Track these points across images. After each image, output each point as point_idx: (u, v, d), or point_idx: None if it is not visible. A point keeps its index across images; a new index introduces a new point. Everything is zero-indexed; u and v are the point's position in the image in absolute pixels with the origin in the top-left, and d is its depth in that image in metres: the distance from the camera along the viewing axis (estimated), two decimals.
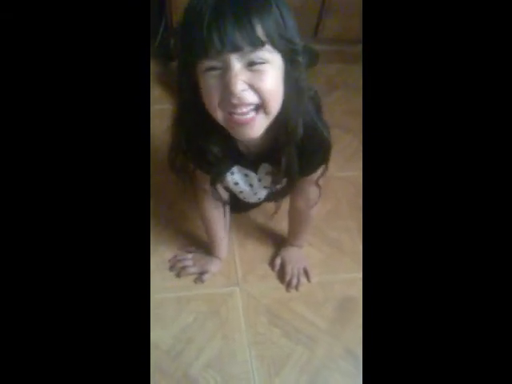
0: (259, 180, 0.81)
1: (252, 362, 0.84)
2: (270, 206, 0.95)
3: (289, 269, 0.97)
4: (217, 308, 0.92)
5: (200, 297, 0.93)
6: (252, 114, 0.59)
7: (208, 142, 0.69)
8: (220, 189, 0.81)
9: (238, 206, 0.99)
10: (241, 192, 0.86)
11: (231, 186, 0.83)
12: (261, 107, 0.59)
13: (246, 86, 0.57)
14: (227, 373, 0.83)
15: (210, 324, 0.89)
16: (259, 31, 0.54)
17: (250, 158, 0.76)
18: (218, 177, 0.77)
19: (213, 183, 0.77)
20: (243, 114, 0.59)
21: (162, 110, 1.30)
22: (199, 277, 0.95)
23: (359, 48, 1.49)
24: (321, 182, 0.80)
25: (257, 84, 0.57)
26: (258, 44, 0.55)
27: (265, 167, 0.77)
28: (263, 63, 0.56)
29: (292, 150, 0.69)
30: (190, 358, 0.84)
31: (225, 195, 0.85)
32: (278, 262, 1.00)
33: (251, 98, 0.58)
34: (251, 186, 0.83)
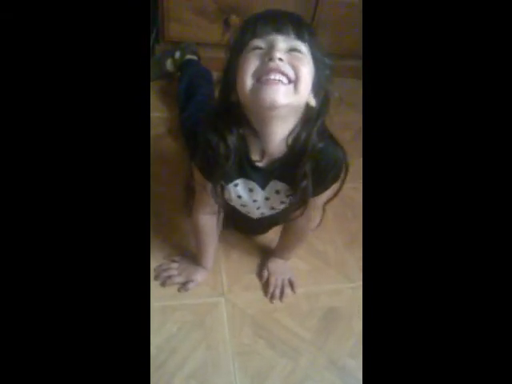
0: (266, 199, 0.80)
1: (236, 373, 0.84)
2: None
3: (273, 280, 0.98)
4: (201, 318, 0.91)
5: (185, 307, 0.93)
6: (283, 80, 0.62)
7: (226, 132, 0.69)
8: (218, 198, 0.79)
9: (242, 226, 1.00)
10: (243, 206, 0.84)
11: (233, 198, 0.81)
12: (292, 83, 0.63)
13: (285, 59, 0.62)
14: (210, 383, 0.82)
15: (195, 334, 0.89)
16: (305, 34, 0.64)
17: (261, 170, 0.75)
18: (218, 180, 0.75)
19: (214, 186, 0.75)
20: (275, 80, 0.62)
21: (153, 117, 1.32)
22: (183, 285, 0.95)
23: (350, 62, 1.51)
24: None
25: (295, 63, 0.62)
26: (303, 36, 0.64)
27: (275, 184, 0.77)
28: (303, 54, 0.63)
29: (309, 167, 0.70)
30: (174, 368, 0.84)
31: (223, 204, 0.83)
32: (265, 273, 0.99)
33: (287, 69, 0.62)
34: (255, 201, 0.82)
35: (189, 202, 0.84)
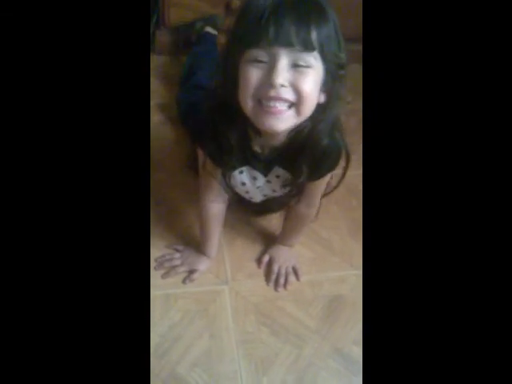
0: (268, 182, 0.80)
1: (240, 360, 0.84)
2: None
3: (275, 267, 0.97)
4: (205, 306, 0.91)
5: (188, 295, 0.92)
6: (284, 107, 0.60)
7: (228, 128, 0.68)
8: (224, 185, 0.80)
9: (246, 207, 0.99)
10: (247, 192, 0.85)
11: (238, 185, 0.81)
12: (294, 106, 0.60)
13: (286, 83, 0.58)
14: (215, 372, 0.82)
15: (198, 322, 0.88)
16: (313, 36, 0.57)
17: (263, 160, 0.75)
18: (228, 167, 0.75)
19: (224, 173, 0.76)
20: (275, 108, 0.59)
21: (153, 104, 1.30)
22: (188, 276, 0.94)
23: (354, 47, 1.48)
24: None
25: (297, 84, 0.58)
26: (309, 47, 0.57)
27: (276, 170, 0.77)
28: (308, 67, 0.58)
29: (309, 157, 0.70)
30: (177, 356, 0.83)
31: (228, 192, 0.84)
32: (265, 259, 0.99)
33: (288, 95, 0.59)
34: (258, 187, 0.82)
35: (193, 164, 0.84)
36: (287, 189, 0.79)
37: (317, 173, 0.75)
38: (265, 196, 0.88)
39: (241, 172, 0.78)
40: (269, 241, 1.03)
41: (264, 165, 0.76)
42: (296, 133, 0.68)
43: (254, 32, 0.57)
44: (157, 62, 1.46)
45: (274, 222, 1.03)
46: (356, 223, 1.08)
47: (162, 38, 1.48)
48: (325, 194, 0.84)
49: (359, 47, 1.59)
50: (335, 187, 0.79)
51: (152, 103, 1.30)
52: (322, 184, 0.80)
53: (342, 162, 0.75)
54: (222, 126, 0.69)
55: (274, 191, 0.84)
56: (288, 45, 0.56)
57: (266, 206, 0.99)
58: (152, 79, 1.38)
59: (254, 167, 0.77)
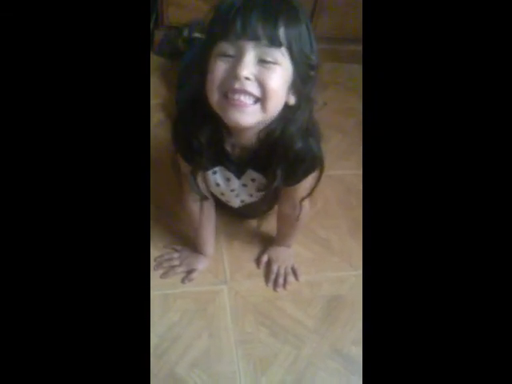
0: (244, 185, 0.79)
1: (239, 361, 0.84)
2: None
3: (275, 267, 0.97)
4: (204, 306, 0.91)
5: (187, 295, 0.92)
6: (249, 101, 0.59)
7: (197, 129, 0.68)
8: (201, 185, 0.79)
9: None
10: (222, 194, 0.84)
11: (213, 186, 0.81)
12: (259, 102, 0.60)
13: (252, 76, 0.58)
14: (213, 372, 0.82)
15: (197, 322, 0.88)
16: (281, 32, 0.56)
17: (235, 161, 0.75)
18: (198, 167, 0.75)
19: (193, 172, 0.75)
20: (240, 101, 0.59)
21: (153, 104, 1.30)
22: (187, 276, 0.94)
23: (351, 47, 1.49)
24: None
25: (262, 78, 0.58)
26: (275, 41, 0.57)
27: (250, 173, 0.76)
28: (274, 63, 0.58)
29: (283, 161, 0.69)
30: (176, 356, 0.83)
31: (206, 191, 0.83)
32: (264, 259, 0.99)
33: (253, 88, 0.58)
34: (232, 190, 0.81)
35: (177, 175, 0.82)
36: (263, 193, 0.78)
37: (292, 177, 0.73)
38: (242, 202, 0.87)
39: (214, 172, 0.77)
40: (267, 241, 1.03)
41: (237, 166, 0.76)
42: (266, 134, 0.67)
43: (222, 26, 0.57)
44: (157, 61, 1.46)
45: (272, 222, 1.02)
46: (355, 223, 1.08)
47: (159, 37, 1.48)
48: (302, 199, 0.81)
49: (357, 47, 1.58)
50: (309, 194, 0.78)
51: (152, 103, 1.30)
52: (299, 188, 0.78)
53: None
54: (193, 124, 0.68)
55: (250, 196, 0.83)
56: (254, 38, 0.56)
57: (245, 212, 0.99)
58: (152, 79, 1.37)
59: (227, 168, 0.76)
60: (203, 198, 0.83)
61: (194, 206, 0.89)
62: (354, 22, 1.42)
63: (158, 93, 1.35)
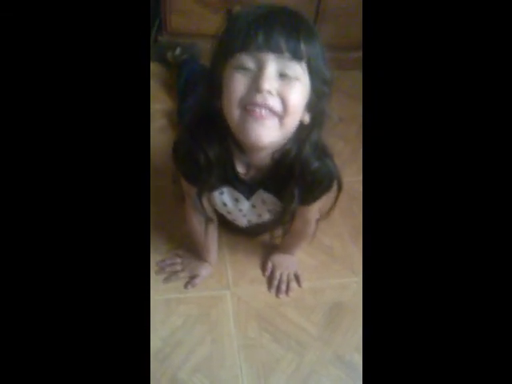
0: (253, 206, 0.78)
1: (241, 366, 0.84)
2: None
3: (277, 274, 0.97)
4: (207, 311, 0.90)
5: (190, 300, 0.92)
6: (268, 115, 0.58)
7: (206, 144, 0.66)
8: (206, 205, 0.77)
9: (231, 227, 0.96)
10: (229, 213, 0.83)
11: (219, 205, 0.79)
12: (279, 117, 0.58)
13: (274, 91, 0.56)
14: (216, 377, 0.82)
15: (200, 327, 0.88)
16: (302, 46, 0.56)
17: (246, 182, 0.73)
18: (204, 187, 0.72)
19: (198, 194, 0.73)
20: (261, 113, 0.57)
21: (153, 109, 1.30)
22: (190, 281, 0.94)
23: (354, 54, 1.50)
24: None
25: (284, 94, 0.57)
26: (298, 55, 0.56)
27: (261, 194, 0.74)
28: (295, 79, 0.57)
29: (300, 182, 0.67)
30: (179, 361, 0.83)
31: (210, 212, 0.81)
32: (269, 266, 0.99)
33: (275, 103, 0.57)
34: (240, 210, 0.80)
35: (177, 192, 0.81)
36: (276, 215, 0.77)
37: (310, 197, 0.73)
38: (249, 222, 0.86)
39: (221, 193, 0.75)
40: (271, 247, 1.03)
41: (247, 186, 0.74)
42: (282, 155, 0.66)
43: (242, 37, 0.55)
44: (158, 67, 1.47)
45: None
46: (357, 230, 1.08)
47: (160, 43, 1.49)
48: (318, 219, 0.81)
49: (360, 54, 1.59)
50: (327, 214, 0.77)
51: (153, 108, 1.30)
52: (314, 206, 0.77)
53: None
54: (202, 141, 0.65)
55: (259, 216, 0.82)
56: (277, 50, 0.55)
57: (253, 231, 0.97)
58: (154, 85, 1.38)
59: (236, 188, 0.74)
60: (208, 220, 0.81)
61: (197, 226, 0.87)
62: (356, 29, 1.43)
63: (158, 98, 1.36)
